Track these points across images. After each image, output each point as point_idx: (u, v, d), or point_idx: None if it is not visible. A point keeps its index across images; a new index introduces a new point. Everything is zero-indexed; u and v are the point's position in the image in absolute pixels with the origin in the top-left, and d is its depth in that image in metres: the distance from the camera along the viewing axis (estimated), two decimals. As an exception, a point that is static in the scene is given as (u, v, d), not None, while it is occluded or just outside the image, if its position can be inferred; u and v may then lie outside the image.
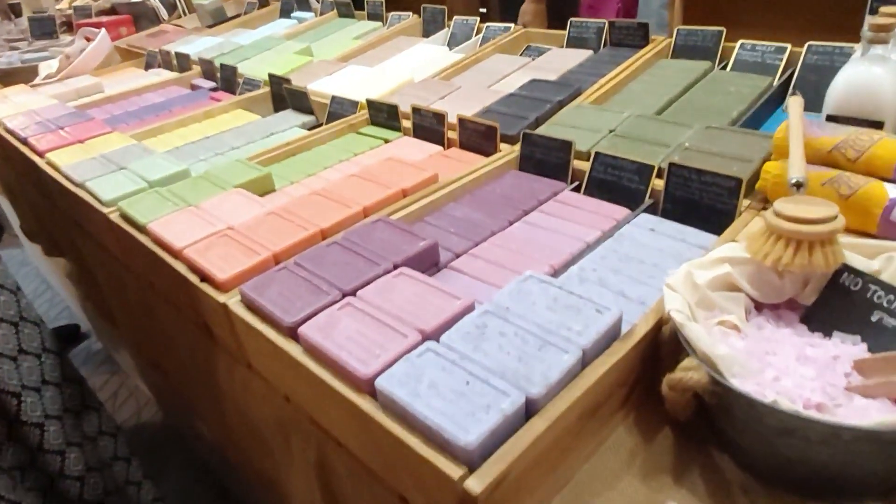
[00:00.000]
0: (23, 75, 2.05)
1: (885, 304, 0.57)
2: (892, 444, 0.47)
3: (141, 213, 0.92)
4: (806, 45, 1.12)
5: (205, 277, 0.77)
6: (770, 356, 0.56)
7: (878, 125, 0.79)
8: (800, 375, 0.53)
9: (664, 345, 0.62)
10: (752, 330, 0.61)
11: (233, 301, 0.72)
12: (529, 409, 0.52)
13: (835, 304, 0.61)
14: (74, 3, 2.56)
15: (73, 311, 2.49)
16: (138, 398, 2.03)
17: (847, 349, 0.57)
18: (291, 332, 0.64)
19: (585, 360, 0.57)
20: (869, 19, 0.84)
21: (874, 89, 0.78)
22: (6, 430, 0.98)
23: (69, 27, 2.60)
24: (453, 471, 0.47)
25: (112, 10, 2.48)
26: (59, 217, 1.32)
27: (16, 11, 3.42)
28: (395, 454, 0.54)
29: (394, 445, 0.53)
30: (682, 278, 0.62)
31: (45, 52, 2.25)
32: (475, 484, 0.46)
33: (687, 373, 0.53)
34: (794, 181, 0.67)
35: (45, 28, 2.51)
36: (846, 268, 0.61)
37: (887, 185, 0.69)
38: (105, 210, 0.99)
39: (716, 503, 0.54)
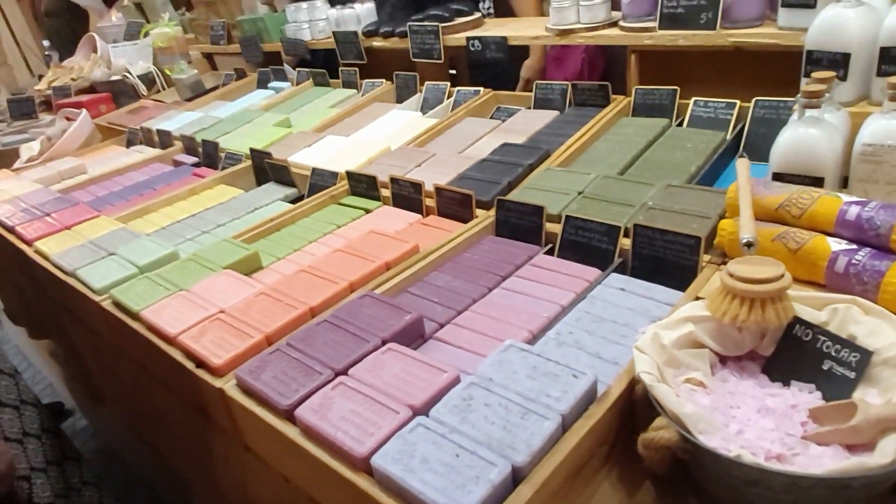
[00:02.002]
0: (4, 158, 2.09)
1: (833, 354, 0.63)
2: (845, 489, 0.51)
3: (133, 300, 0.95)
4: (753, 101, 1.21)
5: (200, 363, 0.80)
6: (734, 409, 0.61)
7: (819, 181, 0.86)
8: (760, 427, 0.58)
9: (638, 402, 0.66)
10: (717, 384, 0.65)
11: (229, 385, 0.75)
12: (516, 477, 0.56)
13: (790, 355, 0.66)
14: (53, 84, 2.62)
15: (56, 388, 2.46)
16: (125, 478, 2.00)
17: (804, 397, 0.62)
18: (288, 415, 0.68)
19: (565, 425, 0.61)
20: (803, 84, 0.92)
21: (812, 149, 0.85)
22: None
23: (48, 106, 2.65)
24: (449, 544, 0.51)
25: (91, 89, 2.54)
26: (48, 302, 1.34)
27: (-8, 91, 3.49)
28: (393, 529, 0.57)
29: (392, 522, 0.56)
30: (650, 340, 0.67)
31: (26, 134, 2.29)
32: (470, 556, 0.49)
33: (658, 432, 0.57)
34: (744, 241, 0.74)
35: (24, 109, 2.56)
36: (797, 320, 0.66)
37: (829, 240, 0.76)
38: (97, 298, 1.02)
39: (696, 554, 0.58)
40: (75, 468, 1.22)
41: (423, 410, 0.64)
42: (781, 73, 1.14)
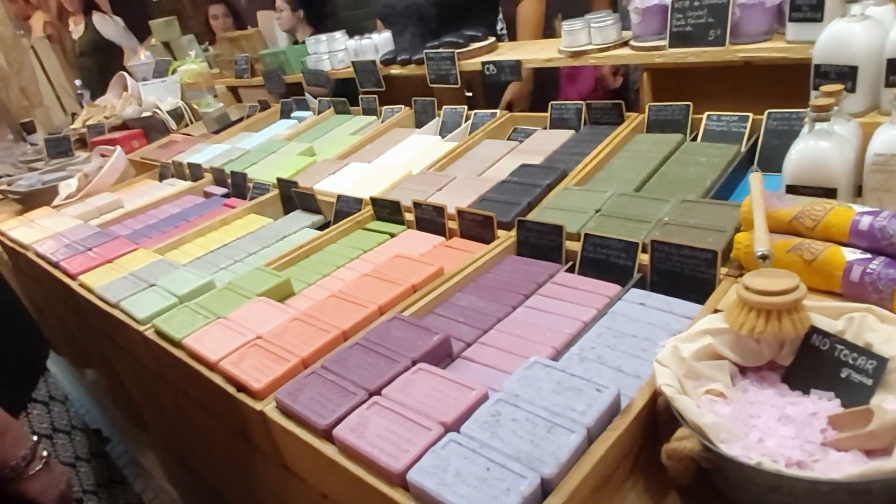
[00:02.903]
0: (44, 195, 2.19)
1: (850, 362, 0.65)
2: (865, 493, 0.53)
3: (175, 328, 1.01)
4: (766, 113, 1.23)
5: (241, 387, 0.85)
6: (754, 419, 0.63)
7: (831, 192, 0.88)
8: (781, 435, 0.60)
9: (660, 414, 0.68)
10: (737, 394, 0.68)
11: (269, 408, 0.80)
12: (545, 489, 0.59)
13: (809, 364, 0.68)
14: (88, 122, 2.74)
15: (94, 415, 2.54)
16: (163, 500, 2.05)
17: (823, 405, 0.64)
18: (326, 434, 0.71)
19: (591, 437, 0.63)
20: (812, 98, 0.94)
21: (823, 161, 0.88)
22: None
23: (83, 144, 2.77)
24: (483, 553, 0.54)
25: (123, 126, 2.65)
26: (91, 333, 1.40)
27: (28, 129, 3.64)
28: (430, 542, 0.60)
29: (428, 534, 0.59)
30: (670, 353, 0.69)
31: (64, 172, 2.39)
32: (504, 564, 0.52)
33: (681, 442, 0.60)
34: (759, 254, 0.76)
35: (60, 147, 2.68)
36: (814, 329, 0.68)
37: (844, 250, 0.78)
38: (141, 328, 1.07)
39: (722, 560, 0.60)
40: (121, 491, 1.28)
41: (455, 427, 0.67)
42: (792, 84, 1.16)
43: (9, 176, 2.55)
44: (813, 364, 0.68)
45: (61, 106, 3.82)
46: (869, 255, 0.76)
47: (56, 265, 1.43)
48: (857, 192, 0.94)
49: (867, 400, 0.62)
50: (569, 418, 0.64)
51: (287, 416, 0.77)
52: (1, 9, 2.90)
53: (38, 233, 1.68)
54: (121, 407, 1.57)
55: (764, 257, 0.76)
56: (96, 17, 4.19)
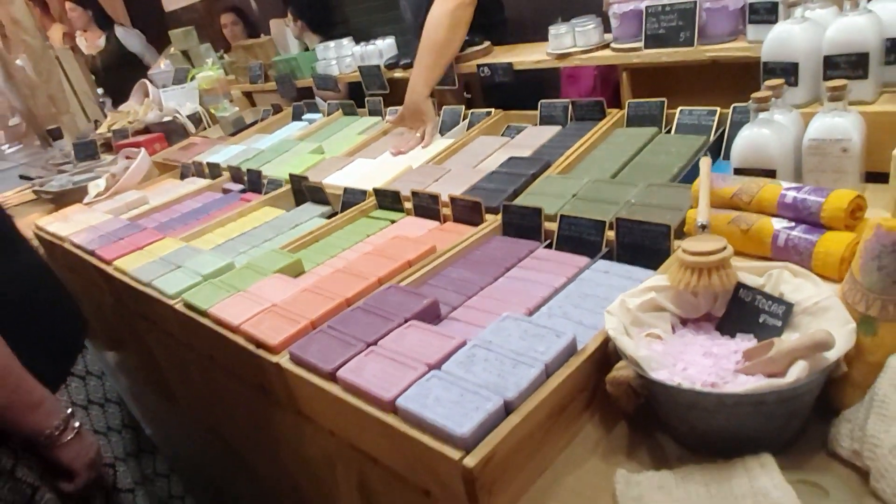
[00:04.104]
0: (74, 194, 2.35)
1: (766, 309, 0.77)
2: (762, 404, 0.66)
3: (202, 300, 1.15)
4: (731, 107, 1.36)
5: (259, 345, 0.99)
6: (683, 354, 0.76)
7: (771, 173, 1.00)
8: (702, 365, 0.73)
9: (611, 356, 0.81)
10: (675, 338, 0.81)
11: (284, 360, 0.94)
12: (508, 409, 0.72)
13: (736, 314, 0.81)
14: (113, 127, 2.92)
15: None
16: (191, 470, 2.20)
17: (744, 345, 0.77)
18: (331, 376, 0.85)
19: (549, 372, 0.77)
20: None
21: (763, 146, 1.00)
22: (105, 499, 1.18)
23: (108, 148, 2.94)
24: (455, 454, 0.67)
25: (146, 130, 2.82)
26: (126, 312, 1.56)
27: (54, 135, 3.83)
28: (414, 453, 0.73)
29: (413, 446, 0.72)
30: (618, 305, 0.82)
31: (92, 173, 2.56)
32: (470, 460, 0.66)
33: (620, 371, 0.73)
34: (699, 224, 0.89)
35: (87, 151, 2.86)
36: (741, 285, 0.81)
37: (773, 220, 0.90)
38: (171, 302, 1.22)
39: (655, 468, 0.72)
40: (150, 460, 1.41)
41: (437, 366, 0.80)
42: (755, 80, 1.28)
43: (40, 178, 2.73)
44: (739, 314, 0.80)
45: (84, 113, 4.01)
46: (793, 224, 0.89)
47: (92, 253, 1.59)
48: (800, 174, 1.06)
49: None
50: (531, 357, 0.78)
51: (299, 365, 0.91)
52: (31, 21, 3.08)
53: (72, 226, 1.84)
54: (151, 381, 1.72)
55: (703, 227, 0.88)
56: (119, 31, 4.39)
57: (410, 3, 2.29)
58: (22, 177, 2.95)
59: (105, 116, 3.73)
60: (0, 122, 4.50)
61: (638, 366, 0.72)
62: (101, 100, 4.41)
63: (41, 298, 1.17)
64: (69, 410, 1.05)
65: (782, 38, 1.10)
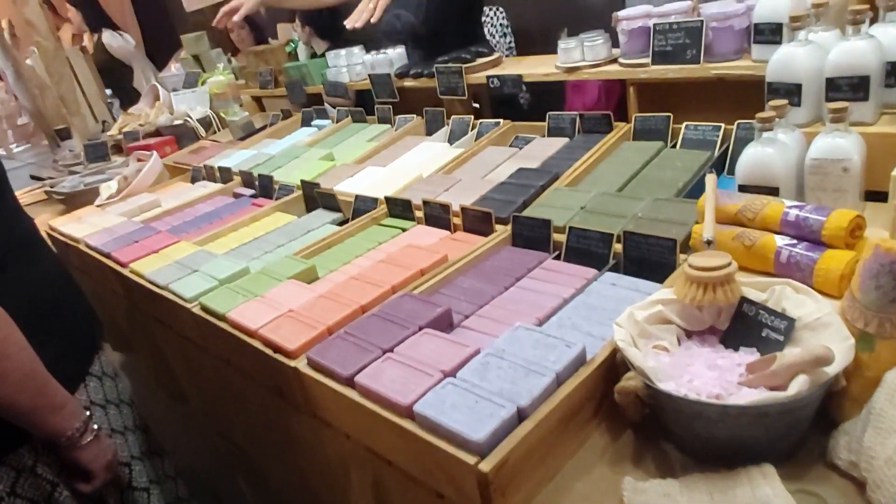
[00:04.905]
0: (85, 196, 2.39)
1: (769, 323, 0.81)
2: (765, 416, 0.69)
3: (219, 305, 1.18)
4: (736, 123, 1.40)
5: (277, 349, 1.02)
6: (689, 366, 0.79)
7: (774, 191, 1.04)
8: (707, 377, 0.76)
9: (619, 367, 0.85)
10: (680, 350, 0.84)
11: (301, 364, 0.97)
12: (521, 416, 0.75)
13: (740, 327, 0.84)
14: (124, 129, 2.95)
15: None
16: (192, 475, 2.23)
17: (747, 358, 0.80)
18: (349, 382, 0.89)
19: (560, 381, 0.80)
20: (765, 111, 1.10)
21: (767, 164, 1.04)
22: (119, 496, 1.21)
23: (118, 149, 2.98)
24: (470, 459, 0.70)
25: (157, 133, 2.85)
26: (140, 316, 1.59)
27: (62, 135, 3.87)
28: (430, 457, 0.76)
29: (429, 451, 0.76)
30: (626, 317, 0.86)
31: (103, 175, 2.60)
32: (485, 465, 0.69)
33: (628, 381, 0.76)
34: (705, 239, 0.92)
35: (98, 152, 2.89)
36: (744, 300, 0.84)
37: (776, 237, 0.94)
38: (188, 305, 1.25)
39: (661, 476, 0.75)
40: (159, 462, 1.43)
41: (452, 374, 0.84)
42: (759, 97, 1.32)
43: (51, 178, 2.77)
44: (743, 327, 0.84)
45: (93, 113, 4.05)
46: (795, 241, 0.92)
47: (108, 255, 1.62)
48: (802, 192, 1.09)
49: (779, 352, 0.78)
50: (542, 366, 0.81)
51: (316, 370, 0.94)
52: (45, 23, 3.12)
53: (87, 228, 1.87)
54: (162, 385, 1.75)
55: (709, 242, 0.92)
56: (106, 35, 4.43)
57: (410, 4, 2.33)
58: (33, 177, 2.99)
59: (113, 117, 3.78)
60: (9, 122, 4.54)
61: (646, 376, 0.75)
62: (109, 101, 4.45)
63: (62, 300, 1.20)
64: (88, 413, 1.08)
65: (786, 60, 1.14)
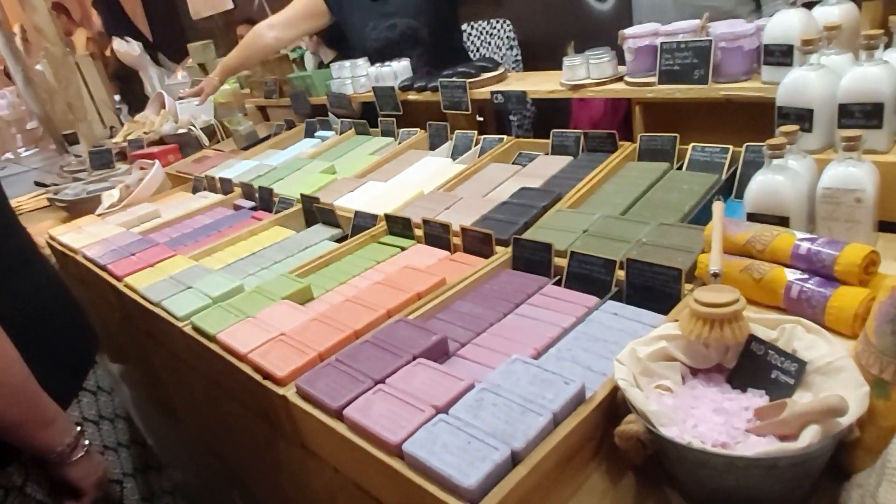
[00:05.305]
0: (88, 204, 2.37)
1: (778, 364, 0.77)
2: (774, 468, 0.65)
3: (210, 325, 1.15)
4: (744, 146, 1.36)
5: (266, 375, 0.99)
6: (694, 409, 0.75)
7: (784, 220, 1.00)
8: (713, 422, 0.72)
9: (620, 406, 0.81)
10: (685, 390, 0.80)
11: (290, 392, 0.94)
12: (515, 459, 0.72)
13: (748, 367, 0.80)
14: (128, 137, 2.94)
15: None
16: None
17: (755, 401, 0.76)
18: (338, 414, 0.85)
19: (557, 421, 0.76)
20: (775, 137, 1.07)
21: (777, 193, 1.00)
22: None
23: (123, 157, 2.97)
24: (460, 506, 0.67)
25: (160, 141, 2.84)
26: (134, 330, 1.56)
27: (70, 141, 3.87)
28: (419, 500, 0.73)
29: (418, 493, 0.72)
30: (628, 353, 0.82)
31: (106, 182, 2.58)
32: (476, 514, 0.65)
33: (629, 425, 0.73)
34: (712, 272, 0.88)
35: (103, 160, 2.88)
36: (753, 338, 0.80)
37: (786, 270, 0.90)
38: (180, 324, 1.22)
39: (662, 525, 0.72)
40: (156, 477, 1.41)
41: (444, 409, 0.80)
42: (769, 120, 1.28)
43: (55, 185, 2.76)
44: (751, 367, 0.80)
45: (101, 120, 4.06)
46: (806, 276, 0.88)
47: (104, 268, 1.59)
48: (813, 221, 1.06)
49: (788, 396, 0.74)
50: (539, 404, 0.77)
51: (305, 400, 0.91)
52: (53, 29, 3.12)
53: (85, 238, 1.85)
54: (154, 399, 1.72)
55: (716, 275, 0.88)
56: (116, 42, 4.45)
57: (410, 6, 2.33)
58: (37, 183, 2.98)
59: (122, 124, 3.78)
60: (18, 126, 4.56)
61: (648, 420, 0.71)
62: (117, 107, 4.46)
63: (56, 314, 1.18)
64: (79, 429, 1.06)
65: (798, 85, 1.10)
